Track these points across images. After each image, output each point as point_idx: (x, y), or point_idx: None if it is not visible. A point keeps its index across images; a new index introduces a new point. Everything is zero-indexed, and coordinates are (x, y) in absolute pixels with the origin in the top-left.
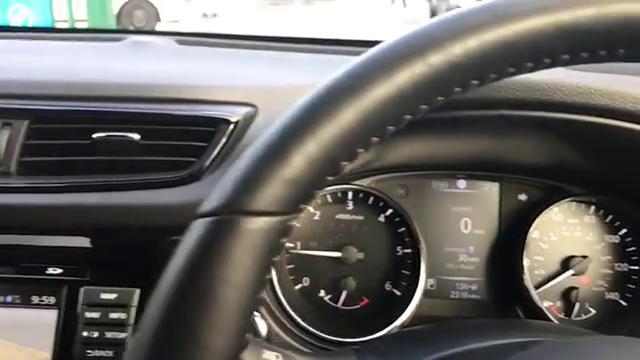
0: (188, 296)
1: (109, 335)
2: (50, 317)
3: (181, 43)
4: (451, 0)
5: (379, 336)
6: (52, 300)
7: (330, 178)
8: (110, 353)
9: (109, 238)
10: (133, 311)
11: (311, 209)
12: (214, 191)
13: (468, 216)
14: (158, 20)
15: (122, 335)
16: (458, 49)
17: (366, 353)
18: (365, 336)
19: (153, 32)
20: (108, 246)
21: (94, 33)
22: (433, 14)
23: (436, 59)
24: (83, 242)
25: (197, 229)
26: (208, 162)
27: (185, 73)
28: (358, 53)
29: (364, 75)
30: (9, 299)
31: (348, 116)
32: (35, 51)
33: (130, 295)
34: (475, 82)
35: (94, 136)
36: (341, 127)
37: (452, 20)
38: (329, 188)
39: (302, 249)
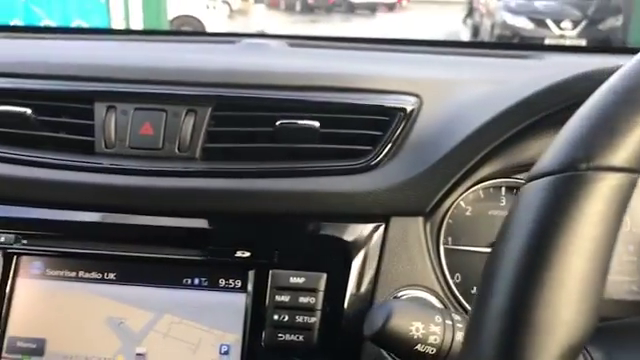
0: (547, 260)
1: (299, 319)
2: (239, 300)
3: (292, 45)
4: (497, 16)
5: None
6: (239, 283)
7: None
8: (301, 337)
9: (292, 223)
10: (321, 296)
11: (463, 204)
12: (553, 150)
13: (628, 214)
14: None
15: (312, 320)
16: None
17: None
18: None
19: (263, 35)
20: (293, 231)
21: (204, 36)
22: (475, 31)
23: None
24: (269, 226)
25: (544, 189)
26: (385, 151)
27: (343, 66)
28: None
29: None
30: (197, 281)
31: None
32: (178, 49)
33: (318, 279)
34: None
35: (277, 123)
36: None
37: None
38: (482, 184)
39: (454, 244)
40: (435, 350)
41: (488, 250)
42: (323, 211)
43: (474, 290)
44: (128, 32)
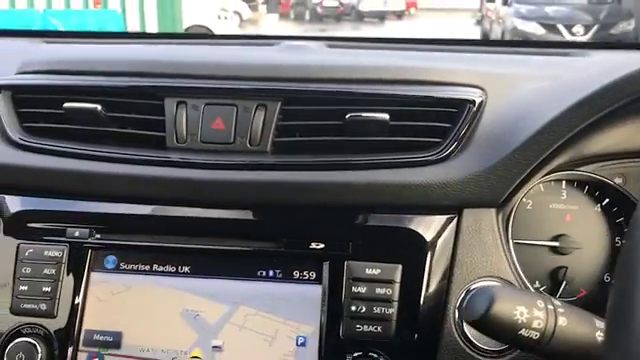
0: None
1: (377, 310)
2: (314, 291)
3: (330, 46)
4: (507, 23)
5: None
6: (313, 275)
7: None
8: (379, 328)
9: (366, 215)
10: (397, 287)
11: (524, 198)
12: None
13: None
14: None
15: (390, 311)
16: None
17: None
18: None
19: (301, 37)
20: (367, 223)
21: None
22: (484, 37)
23: None
24: (343, 219)
25: None
26: (455, 143)
27: (399, 62)
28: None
29: None
30: (271, 273)
31: None
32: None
33: (394, 271)
34: None
35: (347, 117)
36: None
37: None
38: (544, 177)
39: (515, 239)
40: (538, 335)
41: (549, 244)
42: (396, 203)
43: (536, 284)
44: (168, 36)
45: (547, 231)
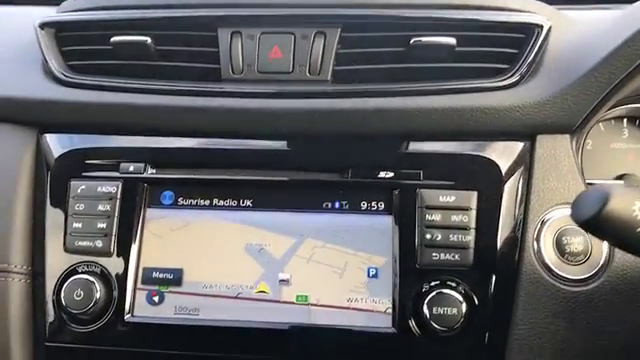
0: None
1: (453, 238)
2: (384, 222)
3: None
4: None
5: None
6: (382, 205)
7: None
8: (456, 256)
9: (435, 142)
10: (473, 214)
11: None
12: None
13: None
14: None
15: (467, 238)
16: None
17: None
18: None
19: None
20: (437, 150)
21: None
22: None
23: None
24: (412, 146)
25: None
26: (525, 68)
27: None
28: None
29: None
30: (337, 205)
31: None
32: None
33: (469, 198)
34: None
35: (411, 42)
36: None
37: None
38: (603, 115)
39: None
40: None
41: (614, 183)
42: (467, 129)
43: None
44: None
45: (610, 171)
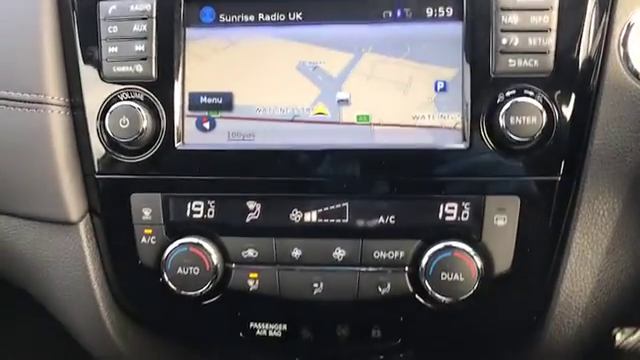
0: None
1: (532, 42)
2: (453, 29)
3: None
4: None
5: None
6: (450, 11)
7: None
8: (535, 62)
9: None
10: (555, 14)
11: None
12: None
13: None
14: None
15: (547, 41)
16: None
17: None
18: None
19: None
20: None
21: None
22: None
23: None
24: None
25: None
26: None
27: None
28: None
29: None
30: (399, 13)
31: None
32: None
33: None
34: None
35: None
36: None
37: None
38: None
39: None
40: None
41: None
42: None
43: None
44: None
45: None
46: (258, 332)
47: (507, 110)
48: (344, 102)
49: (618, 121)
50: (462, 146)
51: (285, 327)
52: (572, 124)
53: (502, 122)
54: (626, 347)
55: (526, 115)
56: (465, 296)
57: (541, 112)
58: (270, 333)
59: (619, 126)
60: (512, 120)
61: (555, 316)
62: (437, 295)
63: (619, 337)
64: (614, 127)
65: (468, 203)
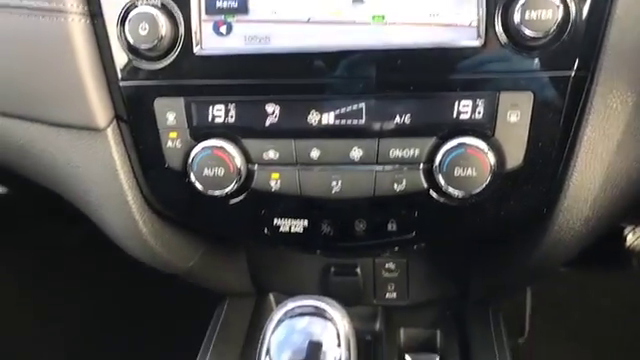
0: None
1: None
2: None
3: None
4: None
5: None
6: None
7: None
8: None
9: None
10: None
11: None
12: None
13: None
14: None
15: None
16: None
17: None
18: None
19: None
20: None
21: None
22: None
23: None
24: None
25: None
26: None
27: None
28: None
29: None
30: None
31: None
32: None
33: None
34: None
35: None
36: None
37: None
38: None
39: None
40: None
41: None
42: None
43: None
44: None
45: None
46: (281, 228)
47: (523, 4)
48: (359, 2)
49: (635, 14)
50: (477, 43)
51: (306, 223)
52: (588, 18)
53: (517, 17)
54: (637, 247)
55: (542, 9)
56: (477, 190)
57: (557, 6)
58: (292, 229)
59: (636, 19)
60: (527, 15)
61: (564, 207)
62: (450, 190)
63: (630, 237)
64: (631, 21)
65: (482, 100)
